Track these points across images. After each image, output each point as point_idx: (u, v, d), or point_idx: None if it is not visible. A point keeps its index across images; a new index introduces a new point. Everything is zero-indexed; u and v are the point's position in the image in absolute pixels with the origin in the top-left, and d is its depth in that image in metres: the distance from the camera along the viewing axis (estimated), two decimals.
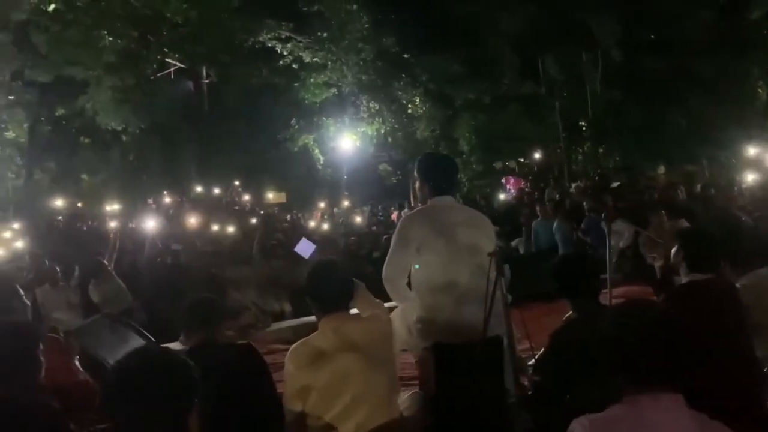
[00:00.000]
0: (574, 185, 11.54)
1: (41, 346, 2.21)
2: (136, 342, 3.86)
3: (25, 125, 18.18)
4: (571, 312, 2.81)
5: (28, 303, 2.89)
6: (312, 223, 14.52)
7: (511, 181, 18.57)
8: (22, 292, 2.84)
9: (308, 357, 2.41)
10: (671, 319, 1.69)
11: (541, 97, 18.43)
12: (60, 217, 15.76)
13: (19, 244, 8.89)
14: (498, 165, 19.27)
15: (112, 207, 13.90)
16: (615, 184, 13.30)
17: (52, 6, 14.98)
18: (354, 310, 2.75)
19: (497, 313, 2.75)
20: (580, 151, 20.27)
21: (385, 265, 3.07)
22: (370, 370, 2.41)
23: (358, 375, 2.38)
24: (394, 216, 15.86)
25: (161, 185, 19.75)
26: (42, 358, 2.20)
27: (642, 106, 16.90)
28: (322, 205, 17.85)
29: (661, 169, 17.73)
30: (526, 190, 16.18)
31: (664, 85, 16.58)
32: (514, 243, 9.01)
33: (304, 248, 5.51)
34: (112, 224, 9.34)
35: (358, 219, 14.92)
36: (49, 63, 16.02)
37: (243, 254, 8.23)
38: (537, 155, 19.84)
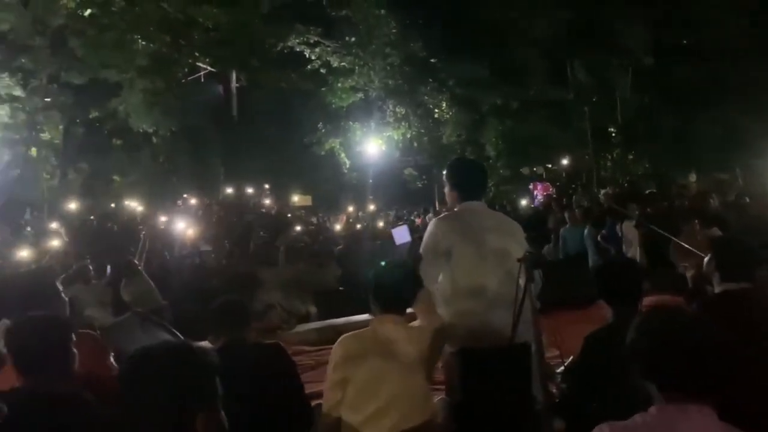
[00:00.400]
0: (602, 192, 11.40)
1: (74, 339, 2.27)
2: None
3: (61, 127, 18.60)
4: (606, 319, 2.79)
5: (67, 299, 2.96)
6: (338, 227, 14.61)
7: (539, 187, 18.43)
8: (61, 288, 2.91)
9: (354, 350, 2.44)
10: (700, 325, 1.62)
11: (569, 102, 18.28)
12: (92, 217, 16.08)
13: (55, 243, 9.10)
14: (525, 171, 19.15)
15: (142, 208, 14.16)
16: (647, 192, 13.10)
17: (89, 11, 15.34)
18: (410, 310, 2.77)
19: (526, 320, 2.73)
20: (609, 157, 20.04)
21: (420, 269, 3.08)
22: (406, 375, 2.42)
23: (393, 380, 2.39)
24: (418, 221, 15.87)
25: (190, 187, 20.06)
26: (75, 351, 2.25)
27: (673, 113, 16.64)
28: (350, 209, 17.96)
29: (693, 177, 17.41)
30: (554, 196, 16.05)
31: (696, 91, 16.31)
32: (543, 250, 8.95)
33: (401, 236, 5.38)
34: (141, 225, 9.58)
35: (381, 224, 14.98)
36: (84, 66, 16.39)
37: (269, 256, 8.32)
38: (565, 161, 19.66)
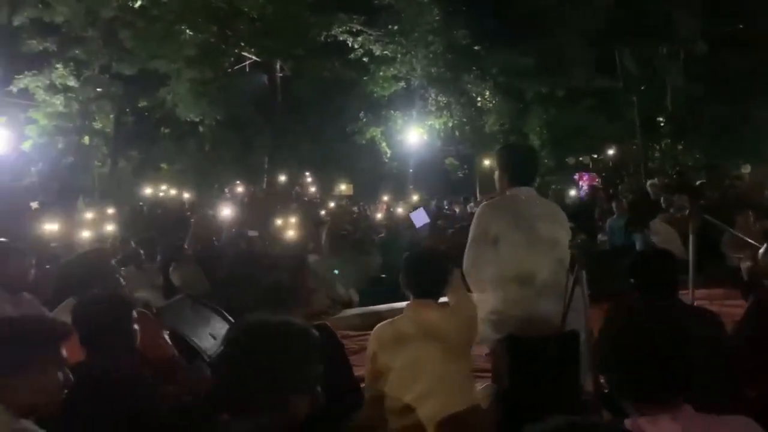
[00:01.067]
0: (650, 182, 11.09)
1: (135, 317, 2.37)
2: (217, 322, 4.04)
3: (111, 116, 19.20)
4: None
5: (123, 281, 3.09)
6: (378, 215, 14.67)
7: (585, 177, 18.08)
8: (118, 270, 3.04)
9: (391, 338, 2.47)
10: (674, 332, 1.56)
11: (616, 91, 17.82)
12: (141, 204, 16.58)
13: (109, 228, 9.44)
14: (571, 161, 18.78)
15: (189, 195, 14.50)
16: (697, 183, 12.70)
17: (138, 3, 15.72)
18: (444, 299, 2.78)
19: (576, 308, 2.71)
20: (657, 147, 19.48)
21: (464, 256, 3.08)
22: (448, 358, 2.43)
23: (435, 362, 2.41)
24: (458, 210, 15.81)
25: (235, 175, 20.46)
26: (136, 328, 2.35)
27: (725, 102, 16.06)
28: (386, 198, 18.01)
29: (746, 168, 16.78)
30: (599, 186, 15.72)
31: (749, 79, 15.68)
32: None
33: (419, 217, 5.39)
34: (189, 211, 9.83)
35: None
36: (134, 57, 16.85)
37: (313, 243, 8.44)
38: (611, 151, 19.22)
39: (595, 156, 20.33)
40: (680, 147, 18.56)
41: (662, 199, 8.50)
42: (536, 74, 17.61)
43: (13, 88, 16.68)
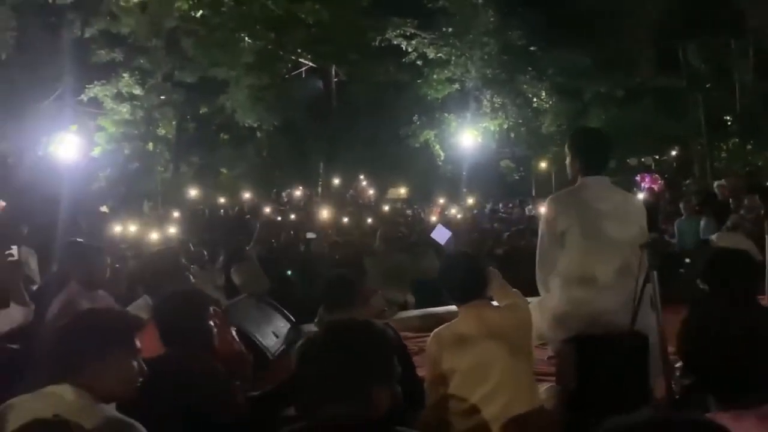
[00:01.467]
0: (717, 183, 10.63)
1: (211, 313, 2.45)
2: (279, 321, 4.13)
3: (174, 123, 19.90)
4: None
5: (191, 277, 3.20)
6: (433, 218, 14.65)
7: (646, 178, 17.48)
8: (188, 268, 3.16)
9: (452, 340, 2.46)
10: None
11: (680, 89, 17.17)
12: (201, 207, 17.12)
13: (171, 230, 9.79)
14: (632, 161, 18.19)
15: (248, 198, 14.88)
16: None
17: (200, 12, 16.26)
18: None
19: (645, 310, 2.63)
20: (724, 147, 18.67)
21: (537, 251, 3.04)
22: (511, 357, 2.41)
23: (499, 362, 2.39)
24: (514, 213, 15.61)
25: (292, 179, 20.86)
26: (212, 324, 2.44)
27: None
28: (441, 201, 17.96)
29: None
30: (661, 189, 15.18)
31: None
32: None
33: (441, 235, 5.47)
34: (248, 214, 10.10)
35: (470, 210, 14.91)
36: (195, 65, 17.44)
37: (368, 246, 8.49)
38: (674, 152, 18.54)
39: (657, 157, 19.65)
40: (749, 147, 17.72)
41: (731, 200, 8.16)
42: (595, 73, 17.18)
43: (84, 97, 17.53)
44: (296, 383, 1.56)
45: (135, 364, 1.91)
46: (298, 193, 18.50)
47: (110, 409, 1.79)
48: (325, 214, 11.60)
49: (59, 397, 1.76)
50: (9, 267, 3.20)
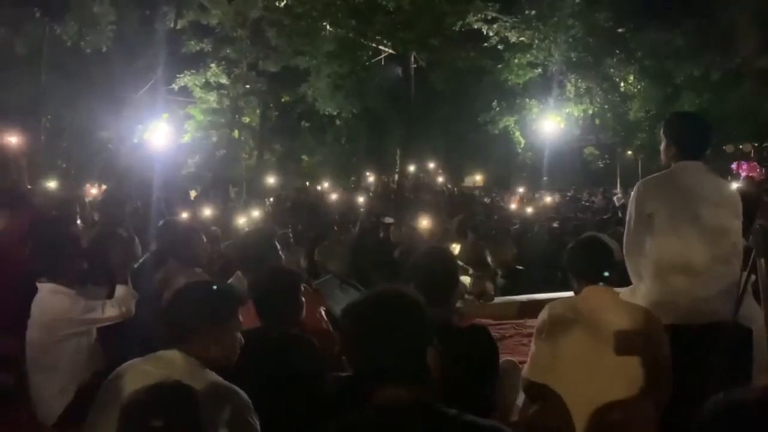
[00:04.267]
0: None
1: (302, 289, 2.55)
2: None
3: (258, 111, 20.59)
4: None
5: (282, 256, 3.34)
6: (513, 206, 14.41)
7: (743, 167, 16.39)
8: (278, 246, 3.29)
9: (558, 315, 2.43)
10: None
11: None
12: (284, 192, 17.66)
13: (255, 214, 10.17)
14: (729, 148, 17.10)
15: (328, 184, 15.18)
16: None
17: (284, 2, 16.66)
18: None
19: (749, 300, 2.49)
20: None
21: (624, 238, 2.95)
22: (610, 344, 2.32)
23: (594, 348, 2.32)
24: (597, 201, 15.09)
25: (369, 166, 21.13)
26: (303, 299, 2.54)
27: None
28: (520, 189, 17.63)
29: None
30: (761, 177, 14.21)
31: None
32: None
33: None
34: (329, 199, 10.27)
35: (548, 199, 14.55)
36: (278, 54, 17.93)
37: (446, 233, 8.47)
38: None
39: (757, 144, 18.36)
40: None
41: None
42: (688, 55, 16.23)
43: (175, 87, 18.44)
44: (350, 347, 1.56)
45: (238, 335, 2.02)
46: (371, 179, 18.70)
47: (215, 375, 1.91)
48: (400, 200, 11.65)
49: (170, 361, 1.90)
50: (123, 244, 3.45)
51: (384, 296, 1.57)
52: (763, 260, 2.34)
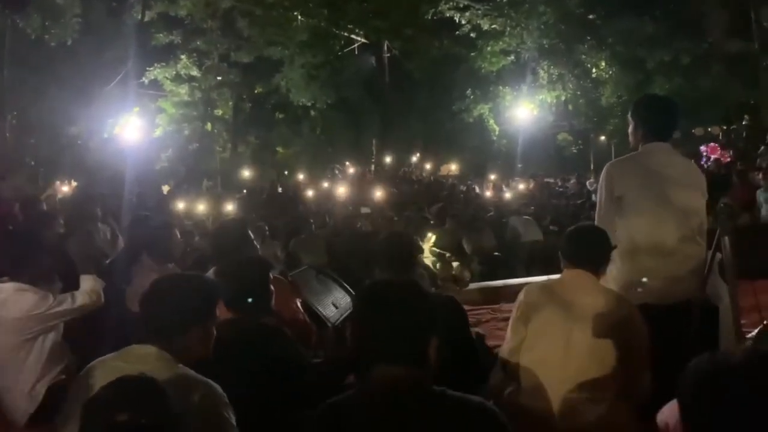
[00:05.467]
0: None
1: (271, 278, 2.54)
2: (338, 292, 4.21)
3: (230, 103, 20.33)
4: None
5: (258, 247, 3.32)
6: (488, 194, 14.49)
7: (713, 149, 16.67)
8: (252, 237, 3.26)
9: (535, 297, 2.45)
10: None
11: (752, 55, 16.21)
12: (258, 184, 17.51)
13: (229, 207, 10.08)
14: (699, 131, 17.35)
15: (304, 175, 15.08)
16: None
17: None
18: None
19: (715, 279, 2.55)
20: None
21: (595, 219, 2.98)
22: (583, 326, 2.35)
23: (575, 330, 2.34)
24: (570, 186, 15.24)
25: (346, 156, 21.05)
26: (273, 289, 2.52)
27: None
28: (493, 177, 17.74)
29: None
30: (728, 160, 14.46)
31: None
32: None
33: None
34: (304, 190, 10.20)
35: (521, 186, 14.68)
36: (250, 45, 17.71)
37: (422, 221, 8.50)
38: (744, 121, 17.57)
39: (726, 127, 18.69)
40: None
41: None
42: (658, 41, 16.41)
43: (145, 80, 18.10)
44: (355, 339, 1.59)
45: (213, 329, 2.01)
46: (351, 170, 18.63)
47: (189, 370, 1.89)
48: (377, 190, 11.66)
49: (142, 356, 1.87)
50: (84, 237, 3.39)
51: (400, 285, 1.67)
52: (727, 238, 2.39)
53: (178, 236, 3.87)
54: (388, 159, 20.94)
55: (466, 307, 5.13)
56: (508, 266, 8.17)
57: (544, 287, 2.51)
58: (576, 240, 2.52)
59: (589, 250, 2.47)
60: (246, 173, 18.30)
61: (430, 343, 1.55)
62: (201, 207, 10.16)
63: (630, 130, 3.03)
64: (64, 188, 13.12)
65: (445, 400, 1.51)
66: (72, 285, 3.12)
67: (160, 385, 1.48)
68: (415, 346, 1.54)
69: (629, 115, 3.06)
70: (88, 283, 3.11)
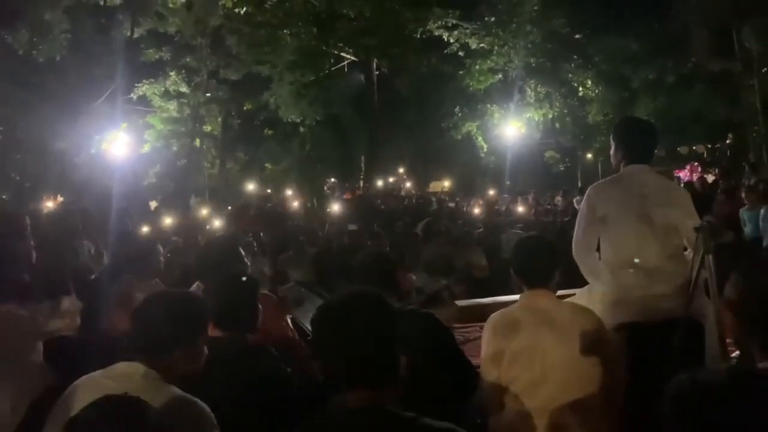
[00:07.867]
0: None
1: (259, 297, 2.52)
2: None
3: (219, 119, 20.32)
4: None
5: (248, 263, 3.30)
6: (476, 211, 14.53)
7: (689, 170, 16.86)
8: (243, 253, 3.24)
9: (503, 324, 2.46)
10: None
11: (735, 74, 16.51)
12: (246, 201, 17.44)
13: (216, 223, 10.04)
14: (684, 150, 17.62)
15: (293, 192, 15.06)
16: None
17: (244, 9, 16.54)
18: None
19: (700, 296, 2.57)
20: None
21: (573, 240, 3.01)
22: (565, 343, 2.37)
23: (550, 350, 2.36)
24: (559, 203, 15.32)
25: (335, 172, 21.08)
26: (260, 306, 2.51)
27: None
28: (491, 192, 17.81)
29: None
30: (713, 177, 14.66)
31: None
32: None
33: None
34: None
35: (520, 208, 14.68)
36: (239, 62, 17.76)
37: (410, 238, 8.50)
38: (728, 140, 17.86)
39: (710, 145, 18.98)
40: None
41: None
42: (643, 59, 16.69)
43: (134, 96, 18.06)
44: (318, 351, 1.51)
45: (204, 348, 2.00)
46: (340, 185, 18.64)
47: (176, 389, 1.87)
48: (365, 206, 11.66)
49: (128, 375, 1.85)
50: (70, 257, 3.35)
51: (357, 301, 1.52)
52: (710, 256, 2.42)
53: (161, 252, 3.83)
54: (376, 175, 21.00)
55: (455, 325, 5.14)
56: (501, 283, 8.15)
57: (507, 314, 2.50)
58: (524, 256, 2.54)
59: (539, 265, 2.49)
60: (235, 189, 18.25)
61: (395, 362, 1.46)
62: (188, 222, 10.11)
63: (611, 152, 3.10)
64: (50, 204, 13.01)
65: (409, 428, 1.41)
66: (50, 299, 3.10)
67: (143, 405, 1.46)
68: (374, 368, 1.44)
69: (610, 138, 3.12)
70: (65, 304, 3.08)
